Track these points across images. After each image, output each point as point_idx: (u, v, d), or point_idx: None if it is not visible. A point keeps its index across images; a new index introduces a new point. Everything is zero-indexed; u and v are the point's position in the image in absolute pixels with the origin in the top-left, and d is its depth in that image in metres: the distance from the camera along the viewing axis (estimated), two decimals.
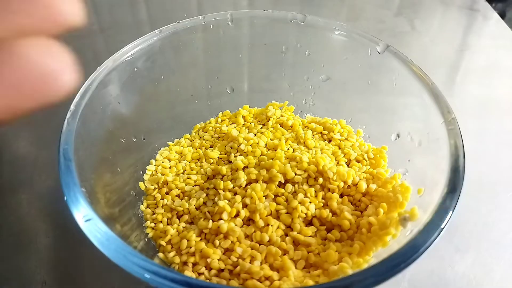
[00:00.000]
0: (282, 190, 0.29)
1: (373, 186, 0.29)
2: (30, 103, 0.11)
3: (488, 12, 0.60)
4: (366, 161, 0.32)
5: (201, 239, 0.27)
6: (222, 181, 0.30)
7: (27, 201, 0.35)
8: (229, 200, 0.28)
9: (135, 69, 0.32)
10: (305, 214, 0.28)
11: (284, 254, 0.26)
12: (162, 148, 0.35)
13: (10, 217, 0.34)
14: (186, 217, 0.29)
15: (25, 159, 0.38)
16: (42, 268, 0.31)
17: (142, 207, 0.31)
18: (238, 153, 0.33)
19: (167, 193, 0.31)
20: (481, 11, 0.60)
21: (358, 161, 0.32)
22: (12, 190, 0.36)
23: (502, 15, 0.66)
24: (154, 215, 0.30)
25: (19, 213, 0.34)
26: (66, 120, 0.25)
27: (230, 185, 0.29)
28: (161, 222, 0.29)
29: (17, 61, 0.11)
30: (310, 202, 0.28)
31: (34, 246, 0.32)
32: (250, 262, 0.26)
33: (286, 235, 0.27)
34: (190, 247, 0.27)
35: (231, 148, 0.33)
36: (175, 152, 0.34)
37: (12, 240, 0.33)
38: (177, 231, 0.28)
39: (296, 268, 0.26)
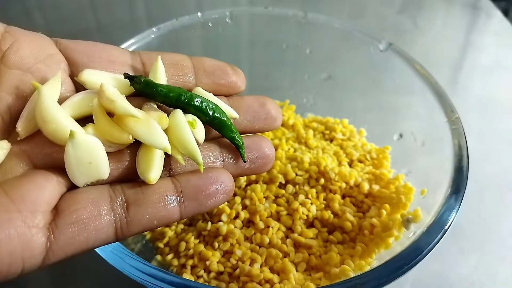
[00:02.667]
0: (283, 191, 0.28)
1: (376, 187, 0.29)
2: None
3: (491, 10, 0.60)
4: (369, 161, 0.32)
5: (199, 241, 0.27)
6: None
7: None
8: (228, 202, 0.28)
9: None
10: (306, 215, 0.27)
11: (285, 257, 0.26)
12: None
13: None
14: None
15: None
16: (38, 271, 0.30)
17: None
18: None
19: None
20: (484, 9, 0.60)
21: (360, 161, 0.32)
22: None
23: (506, 13, 0.65)
24: None
25: None
26: None
27: None
28: None
29: None
30: (312, 203, 0.28)
31: None
32: (250, 265, 0.25)
33: (287, 237, 0.27)
34: (189, 249, 0.26)
35: None
36: None
37: None
38: (175, 233, 0.28)
39: (297, 271, 0.25)
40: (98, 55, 0.18)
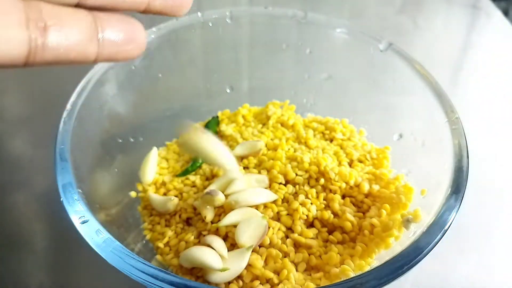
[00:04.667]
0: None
1: (376, 187, 0.29)
2: None
3: (491, 9, 0.60)
4: (369, 161, 0.32)
5: (199, 241, 0.27)
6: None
7: (23, 202, 0.35)
8: None
9: (133, 68, 0.31)
10: (306, 215, 0.27)
11: (285, 257, 0.26)
12: (160, 148, 0.34)
13: (5, 218, 0.33)
14: (184, 218, 0.29)
15: (21, 158, 0.38)
16: (38, 270, 0.30)
17: (140, 208, 0.30)
18: None
19: (165, 194, 0.30)
20: (484, 9, 0.60)
21: (360, 161, 0.32)
22: (8, 190, 0.35)
23: (506, 13, 0.65)
24: (152, 217, 0.29)
25: (15, 214, 0.34)
26: (62, 119, 0.25)
27: None
28: (158, 223, 0.29)
29: None
30: (312, 204, 0.28)
31: (30, 248, 0.32)
32: (249, 265, 0.25)
33: (287, 237, 0.27)
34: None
35: (230, 148, 0.33)
36: (173, 152, 0.34)
37: (8, 241, 0.32)
38: (175, 232, 0.28)
39: (297, 271, 0.25)
40: None
